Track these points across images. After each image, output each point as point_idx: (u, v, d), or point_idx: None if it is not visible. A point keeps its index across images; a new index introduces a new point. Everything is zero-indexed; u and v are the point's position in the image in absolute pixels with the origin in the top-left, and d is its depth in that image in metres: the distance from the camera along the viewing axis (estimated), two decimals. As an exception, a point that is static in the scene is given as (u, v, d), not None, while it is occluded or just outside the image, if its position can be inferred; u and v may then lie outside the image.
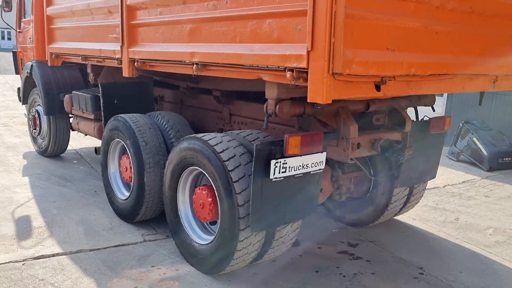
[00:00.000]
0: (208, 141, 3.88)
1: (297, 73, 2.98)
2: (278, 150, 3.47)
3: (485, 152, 8.07)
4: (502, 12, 3.83)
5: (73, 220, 5.23)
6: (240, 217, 3.62)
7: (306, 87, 2.94)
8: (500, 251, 4.89)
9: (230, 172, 3.68)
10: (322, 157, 3.74)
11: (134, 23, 4.70)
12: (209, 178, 3.93)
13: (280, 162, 3.49)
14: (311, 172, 3.73)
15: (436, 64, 3.44)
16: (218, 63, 3.70)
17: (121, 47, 4.91)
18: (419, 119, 4.82)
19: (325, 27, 2.73)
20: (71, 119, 7.42)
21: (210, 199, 3.97)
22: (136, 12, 4.65)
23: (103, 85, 5.82)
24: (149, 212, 4.99)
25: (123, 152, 5.48)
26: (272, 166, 3.46)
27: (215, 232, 4.05)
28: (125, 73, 4.95)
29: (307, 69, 2.90)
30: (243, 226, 3.63)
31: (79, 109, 6.69)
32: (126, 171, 5.19)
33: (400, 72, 3.16)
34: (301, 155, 3.56)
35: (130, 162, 5.07)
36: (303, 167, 3.65)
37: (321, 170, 3.80)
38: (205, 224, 4.38)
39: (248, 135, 4.10)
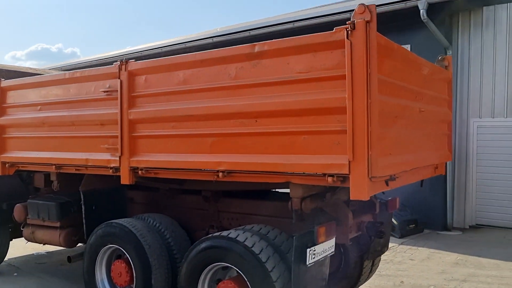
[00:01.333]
0: (237, 238, 4.40)
1: (337, 177, 3.80)
2: (310, 239, 4.16)
3: (395, 222, 9.58)
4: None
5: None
6: (281, 304, 4.13)
7: (323, 186, 3.86)
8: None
9: (265, 263, 4.22)
10: (333, 241, 4.52)
11: (137, 135, 5.10)
12: (240, 271, 4.38)
13: (312, 249, 4.17)
14: (328, 255, 4.46)
15: (415, 161, 4.59)
16: (248, 170, 4.33)
17: (120, 157, 5.21)
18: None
19: (364, 143, 3.63)
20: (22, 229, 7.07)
21: (239, 290, 4.40)
22: (140, 125, 5.08)
23: (86, 193, 5.89)
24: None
25: (114, 258, 5.57)
26: (308, 254, 4.12)
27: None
28: (124, 181, 5.21)
29: (349, 174, 3.73)
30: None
31: (38, 217, 6.52)
32: (120, 276, 5.28)
33: (401, 170, 4.20)
34: (323, 242, 4.30)
35: (126, 267, 5.20)
36: (324, 251, 4.38)
37: (333, 253, 4.55)
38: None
39: (260, 229, 4.71)
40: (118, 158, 5.22)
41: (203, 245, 4.61)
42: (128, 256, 5.21)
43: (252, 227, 4.77)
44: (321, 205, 4.66)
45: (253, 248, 4.30)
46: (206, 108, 4.51)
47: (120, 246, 5.29)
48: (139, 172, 5.08)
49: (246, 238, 4.40)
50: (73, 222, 6.45)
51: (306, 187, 4.29)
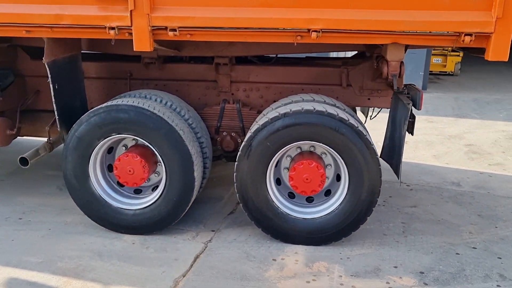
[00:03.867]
0: (330, 112, 3.75)
1: (476, 37, 3.43)
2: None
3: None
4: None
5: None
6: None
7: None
8: None
9: (366, 136, 3.78)
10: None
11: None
12: (331, 150, 3.84)
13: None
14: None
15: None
16: (348, 30, 3.55)
17: (132, 11, 3.63)
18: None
19: (514, -3, 3.30)
20: None
21: (321, 171, 3.90)
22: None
23: (52, 65, 4.05)
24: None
25: (115, 151, 4.23)
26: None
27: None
28: (140, 47, 3.73)
29: (492, 33, 3.40)
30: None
31: None
32: (132, 173, 4.06)
33: None
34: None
35: (142, 161, 4.00)
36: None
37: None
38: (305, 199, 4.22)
39: (324, 101, 4.14)
40: (127, 14, 3.64)
41: (279, 123, 3.80)
42: (152, 146, 3.98)
43: (313, 98, 4.15)
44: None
45: (350, 122, 3.76)
46: None
47: (138, 135, 3.98)
48: (169, 33, 3.68)
49: (338, 113, 3.80)
50: (4, 107, 4.58)
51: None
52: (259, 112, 4.62)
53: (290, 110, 3.81)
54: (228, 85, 4.70)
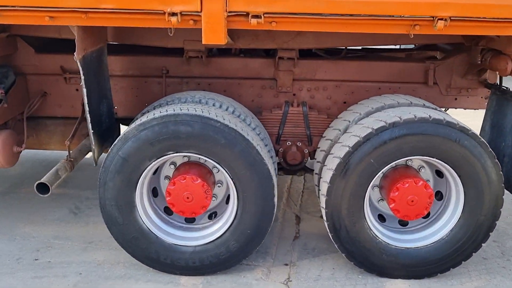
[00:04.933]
0: (448, 121, 3.03)
1: None
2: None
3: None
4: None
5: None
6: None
7: None
8: None
9: (489, 149, 3.10)
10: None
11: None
12: (444, 165, 3.13)
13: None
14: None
15: None
16: (477, 18, 2.82)
17: (204, -7, 2.73)
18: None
19: None
20: None
21: (429, 190, 3.19)
22: None
23: (83, 62, 3.05)
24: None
25: (162, 170, 3.34)
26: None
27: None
28: (210, 39, 2.83)
29: None
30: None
31: None
32: (190, 200, 3.17)
33: None
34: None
35: (204, 185, 3.13)
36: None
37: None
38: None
39: (411, 102, 3.43)
40: (199, -3, 2.74)
41: (386, 134, 3.03)
42: (222, 167, 3.10)
43: (409, 101, 3.43)
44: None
45: (472, 132, 3.06)
46: None
47: (202, 154, 3.08)
48: (251, 21, 2.80)
49: (457, 122, 3.08)
50: (8, 115, 3.57)
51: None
52: (329, 116, 3.84)
53: (400, 118, 3.05)
54: (289, 84, 3.86)
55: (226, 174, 3.12)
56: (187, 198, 3.17)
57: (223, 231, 3.26)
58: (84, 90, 3.09)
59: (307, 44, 3.69)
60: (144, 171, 3.12)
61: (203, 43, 2.87)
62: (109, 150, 3.10)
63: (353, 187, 3.14)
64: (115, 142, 3.09)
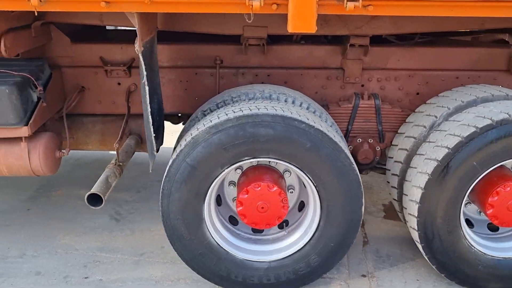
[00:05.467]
0: None
1: None
2: None
3: None
4: None
5: None
6: None
7: None
8: None
9: None
10: None
11: None
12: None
13: None
14: None
15: None
16: None
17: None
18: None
19: None
20: None
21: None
22: None
23: (143, 53, 2.63)
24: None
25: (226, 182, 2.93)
26: None
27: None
28: (299, 26, 2.42)
29: None
30: None
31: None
32: (265, 211, 2.79)
33: None
34: None
35: (281, 193, 2.74)
36: None
37: None
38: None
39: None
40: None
41: (492, 134, 2.67)
42: (305, 174, 2.71)
43: (506, 93, 3.04)
44: None
45: None
46: None
47: (283, 159, 2.68)
48: (347, 5, 2.38)
49: None
50: (47, 115, 3.12)
51: None
52: (403, 110, 3.45)
53: (509, 115, 2.67)
54: (358, 74, 3.45)
55: (309, 181, 2.74)
56: (262, 208, 2.79)
57: (302, 244, 2.89)
58: (147, 87, 2.66)
59: (383, 30, 3.26)
60: (214, 180, 2.72)
61: (289, 31, 2.44)
62: (174, 156, 2.70)
63: (452, 193, 2.78)
64: (181, 147, 2.68)
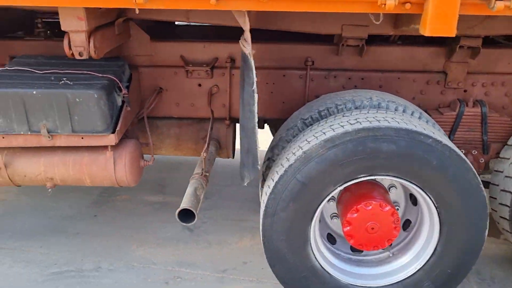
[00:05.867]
0: None
1: None
2: None
3: None
4: None
5: None
6: None
7: None
8: None
9: None
10: None
11: None
12: None
13: None
14: None
15: None
16: None
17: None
18: None
19: None
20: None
21: None
22: None
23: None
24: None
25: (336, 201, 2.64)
26: None
27: None
28: (439, 29, 2.13)
29: None
30: None
31: (31, 130, 2.57)
32: (375, 232, 2.52)
33: None
34: None
35: (393, 213, 2.48)
36: None
37: None
38: None
39: None
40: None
41: None
42: (426, 194, 2.43)
43: None
44: None
45: None
46: None
47: (403, 177, 2.39)
48: (495, 4, 2.08)
49: None
50: (129, 119, 2.89)
51: None
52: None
53: None
54: (462, 78, 3.14)
55: (430, 201, 2.45)
56: (372, 228, 2.52)
57: (414, 270, 2.61)
58: (256, 95, 2.39)
59: (497, 30, 2.94)
60: (325, 198, 2.45)
61: (426, 34, 2.15)
62: (281, 172, 2.42)
63: None
64: (289, 162, 2.41)
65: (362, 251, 2.84)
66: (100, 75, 2.69)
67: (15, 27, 3.42)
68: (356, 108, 2.68)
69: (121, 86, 2.73)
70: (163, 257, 3.25)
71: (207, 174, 2.95)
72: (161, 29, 3.72)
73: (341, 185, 2.42)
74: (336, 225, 2.86)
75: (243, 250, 3.36)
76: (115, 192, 4.07)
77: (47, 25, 3.28)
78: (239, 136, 2.88)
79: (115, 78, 2.70)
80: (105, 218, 3.71)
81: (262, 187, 2.84)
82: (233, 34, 3.21)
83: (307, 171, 2.37)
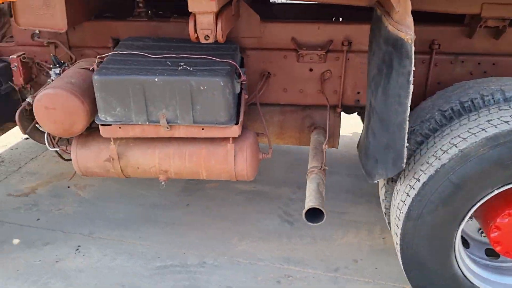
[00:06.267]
0: None
1: None
2: None
3: None
4: None
5: None
6: None
7: None
8: None
9: None
10: None
11: None
12: None
13: None
14: None
15: None
16: None
17: None
18: None
19: None
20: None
21: None
22: None
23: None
24: None
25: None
26: None
27: None
28: None
29: None
30: None
31: (149, 119, 2.39)
32: None
33: None
34: None
35: None
36: None
37: None
38: None
39: None
40: None
41: None
42: None
43: None
44: None
45: None
46: None
47: None
48: None
49: None
50: (244, 114, 2.71)
51: None
52: None
53: None
54: None
55: None
56: (525, 236, 2.26)
57: None
58: (411, 85, 2.14)
59: None
60: (478, 202, 2.19)
61: None
62: (432, 172, 2.17)
63: None
64: (440, 161, 2.15)
65: (499, 257, 2.59)
66: (219, 60, 2.47)
67: (113, 7, 3.23)
68: (505, 100, 2.38)
69: (240, 71, 2.51)
70: (268, 253, 3.07)
71: (326, 167, 2.72)
72: (257, 8, 3.47)
73: (499, 187, 2.15)
74: (470, 227, 2.61)
75: (350, 246, 3.14)
76: (203, 179, 3.91)
77: (148, 5, 3.07)
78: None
79: (235, 63, 2.48)
80: (198, 208, 3.55)
81: (388, 184, 2.60)
82: (335, 14, 2.94)
83: (462, 172, 2.11)
